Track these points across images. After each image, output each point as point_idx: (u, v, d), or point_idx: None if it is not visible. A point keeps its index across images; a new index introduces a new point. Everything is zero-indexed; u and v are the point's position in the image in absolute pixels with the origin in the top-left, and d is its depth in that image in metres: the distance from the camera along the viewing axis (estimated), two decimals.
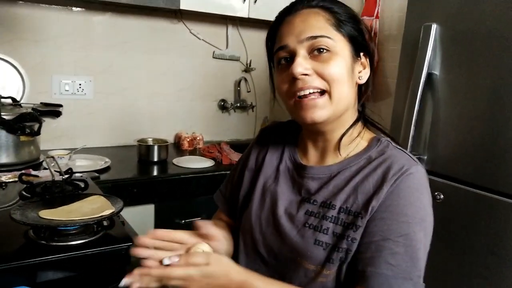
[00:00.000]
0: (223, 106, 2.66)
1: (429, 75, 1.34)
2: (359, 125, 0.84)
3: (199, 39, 2.47)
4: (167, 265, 0.71)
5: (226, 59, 2.60)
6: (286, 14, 0.81)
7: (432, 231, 0.75)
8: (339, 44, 0.77)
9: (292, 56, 0.78)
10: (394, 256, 0.70)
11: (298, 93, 0.77)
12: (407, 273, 0.69)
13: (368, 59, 0.83)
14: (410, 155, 0.80)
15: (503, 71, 1.19)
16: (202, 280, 0.69)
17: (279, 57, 0.80)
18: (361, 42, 0.80)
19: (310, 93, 0.76)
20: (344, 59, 0.77)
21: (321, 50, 0.76)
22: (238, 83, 2.66)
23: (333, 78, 0.76)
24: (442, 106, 1.34)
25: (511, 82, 1.18)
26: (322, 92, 0.77)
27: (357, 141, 0.83)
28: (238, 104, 2.69)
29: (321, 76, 0.76)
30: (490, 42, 1.22)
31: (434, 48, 1.33)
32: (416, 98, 1.33)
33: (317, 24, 0.76)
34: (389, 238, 0.71)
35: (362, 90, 0.85)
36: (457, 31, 1.30)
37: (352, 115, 0.83)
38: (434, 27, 1.33)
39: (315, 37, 0.75)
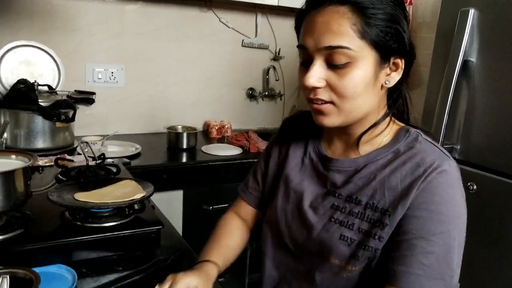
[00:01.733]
0: (251, 95, 2.66)
1: (465, 63, 1.30)
2: (387, 118, 0.80)
3: (228, 27, 2.47)
4: None
5: (255, 48, 2.59)
6: (312, 5, 0.74)
7: (465, 228, 0.72)
8: (361, 53, 0.69)
9: (310, 59, 0.73)
10: (427, 255, 0.68)
11: (309, 98, 0.75)
12: (439, 274, 0.67)
13: (403, 60, 0.74)
14: (441, 148, 0.77)
15: None
16: None
17: (300, 53, 0.76)
18: (392, 46, 0.71)
19: (320, 103, 0.74)
20: (363, 70, 0.70)
21: (337, 62, 0.70)
22: (266, 72, 2.65)
23: (344, 94, 0.71)
24: (478, 95, 1.30)
25: None
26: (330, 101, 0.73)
27: (385, 134, 0.80)
28: (267, 93, 2.68)
29: (333, 89, 0.72)
30: None
31: (471, 35, 1.28)
32: (451, 86, 1.29)
33: (339, 30, 0.68)
34: (423, 237, 0.69)
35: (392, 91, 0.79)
36: (496, 16, 1.25)
37: (376, 115, 0.78)
38: (471, 12, 1.28)
39: (333, 48, 0.69)
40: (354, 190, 0.78)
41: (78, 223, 0.99)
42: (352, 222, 0.76)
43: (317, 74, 0.71)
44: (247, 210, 1.03)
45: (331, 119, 0.75)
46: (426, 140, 0.77)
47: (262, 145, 2.24)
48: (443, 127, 1.31)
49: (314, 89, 0.73)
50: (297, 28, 0.78)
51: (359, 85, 0.71)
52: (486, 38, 1.27)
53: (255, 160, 1.10)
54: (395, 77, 0.75)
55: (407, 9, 2.09)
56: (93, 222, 1.00)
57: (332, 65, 0.71)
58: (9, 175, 0.89)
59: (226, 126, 2.47)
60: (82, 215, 1.00)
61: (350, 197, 0.78)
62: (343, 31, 0.68)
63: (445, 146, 1.35)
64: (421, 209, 0.70)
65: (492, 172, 1.26)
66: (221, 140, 2.40)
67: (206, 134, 2.46)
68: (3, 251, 0.87)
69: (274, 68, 2.61)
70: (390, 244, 0.72)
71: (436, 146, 0.77)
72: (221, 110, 2.58)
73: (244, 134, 2.41)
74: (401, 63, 0.74)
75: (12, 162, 0.97)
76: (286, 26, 2.63)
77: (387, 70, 0.74)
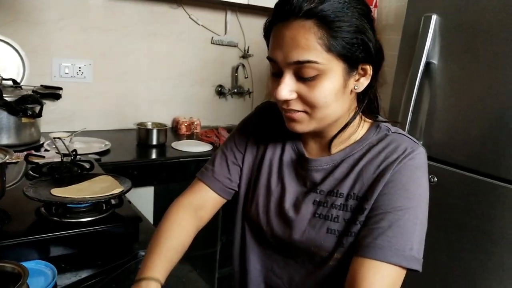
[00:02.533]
0: (220, 92, 2.68)
1: (428, 64, 1.38)
2: (358, 117, 0.83)
3: (198, 24, 2.48)
4: None
5: (225, 45, 2.61)
6: (278, 18, 0.74)
7: (428, 209, 0.78)
8: (328, 65, 0.71)
9: (280, 71, 0.75)
10: (392, 228, 0.73)
11: (282, 107, 0.78)
12: (401, 246, 0.72)
13: (371, 65, 0.76)
14: (411, 137, 0.83)
15: (500, 61, 1.24)
16: None
17: (270, 64, 0.78)
18: (359, 56, 0.73)
19: (293, 112, 0.77)
20: (332, 81, 0.73)
21: (306, 75, 0.72)
22: (235, 69, 2.68)
23: (315, 104, 0.74)
24: (439, 94, 1.39)
25: (507, 73, 1.22)
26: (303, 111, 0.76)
27: (358, 131, 0.84)
28: (235, 90, 2.71)
29: (304, 100, 0.75)
30: (488, 34, 1.27)
31: (434, 38, 1.37)
32: (415, 85, 1.37)
33: (306, 44, 0.70)
34: (389, 212, 0.74)
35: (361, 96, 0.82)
36: (456, 22, 1.34)
37: (347, 116, 0.82)
38: (434, 17, 1.36)
39: (302, 62, 0.71)
40: (334, 184, 0.82)
41: (56, 218, 0.99)
42: (337, 214, 0.80)
43: (288, 87, 0.74)
44: (208, 196, 0.95)
45: (304, 126, 0.78)
46: (396, 132, 0.83)
47: None
48: (407, 124, 1.39)
49: (286, 100, 0.76)
50: (266, 37, 0.79)
51: (329, 95, 0.73)
52: (447, 42, 1.36)
53: None
54: (364, 82, 0.77)
55: (372, 12, 2.18)
56: (71, 217, 1.00)
57: (302, 78, 0.73)
58: None
59: (196, 123, 2.48)
60: (59, 211, 1.00)
61: (331, 191, 0.82)
62: (310, 46, 0.70)
63: None
64: (390, 187, 0.76)
65: (451, 165, 1.36)
66: (191, 136, 2.41)
67: (175, 131, 2.47)
68: None
69: (243, 65, 2.65)
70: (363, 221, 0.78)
71: (405, 135, 0.83)
72: (190, 107, 2.59)
73: (213, 131, 2.43)
74: (369, 68, 0.76)
75: None
76: (255, 25, 2.66)
77: (356, 76, 0.76)
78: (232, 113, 2.78)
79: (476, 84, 1.29)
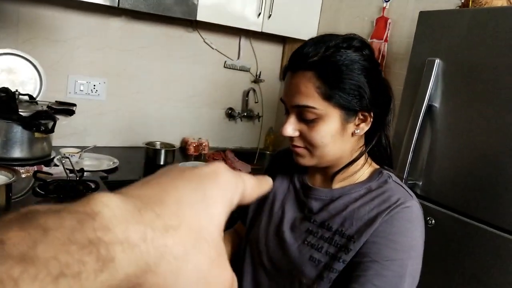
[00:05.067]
0: (230, 115, 2.72)
1: (430, 107, 1.40)
2: (363, 158, 0.89)
3: (212, 48, 2.54)
4: None
5: (237, 69, 2.67)
6: (290, 67, 0.85)
7: (421, 263, 0.80)
8: (325, 111, 0.80)
9: (288, 112, 0.86)
10: (379, 277, 0.76)
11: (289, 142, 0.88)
12: None
13: (371, 113, 0.83)
14: (408, 189, 0.86)
15: (502, 107, 1.25)
16: None
17: (283, 104, 0.89)
18: (356, 105, 0.81)
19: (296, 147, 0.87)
20: (329, 125, 0.81)
21: (306, 118, 0.82)
22: (246, 93, 2.73)
23: (314, 144, 0.83)
24: (439, 136, 1.40)
25: (506, 116, 1.23)
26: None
27: (361, 172, 0.89)
28: (245, 114, 2.75)
29: (304, 139, 0.84)
30: (490, 79, 1.28)
31: (436, 82, 1.39)
32: (416, 127, 1.39)
33: (306, 91, 0.80)
34: (377, 261, 0.77)
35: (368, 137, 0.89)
36: (458, 66, 1.36)
37: (350, 156, 0.88)
38: (437, 62, 1.39)
39: (301, 106, 0.81)
40: (327, 217, 0.87)
41: None
42: (322, 245, 0.84)
43: (292, 126, 0.85)
44: (241, 228, 1.12)
45: (306, 160, 0.88)
46: (395, 181, 0.87)
47: (239, 165, 2.30)
48: (407, 163, 1.40)
49: (291, 137, 0.86)
50: (283, 80, 0.90)
51: (325, 136, 0.82)
52: (449, 86, 1.38)
53: None
54: (364, 127, 0.85)
55: (383, 46, 2.22)
56: None
57: (303, 119, 0.83)
58: None
59: (204, 144, 2.52)
60: None
61: (323, 223, 0.87)
62: (309, 93, 0.80)
63: (408, 182, 1.45)
64: (380, 237, 0.79)
65: (450, 209, 1.35)
66: (198, 157, 2.44)
67: (184, 151, 2.50)
68: None
69: (254, 90, 2.69)
70: (350, 265, 0.80)
71: (403, 187, 0.86)
72: (199, 128, 2.63)
73: (221, 153, 2.46)
74: (369, 116, 0.84)
75: None
76: (267, 51, 2.72)
77: (356, 121, 0.84)
78: (240, 135, 2.81)
79: (477, 129, 1.30)
